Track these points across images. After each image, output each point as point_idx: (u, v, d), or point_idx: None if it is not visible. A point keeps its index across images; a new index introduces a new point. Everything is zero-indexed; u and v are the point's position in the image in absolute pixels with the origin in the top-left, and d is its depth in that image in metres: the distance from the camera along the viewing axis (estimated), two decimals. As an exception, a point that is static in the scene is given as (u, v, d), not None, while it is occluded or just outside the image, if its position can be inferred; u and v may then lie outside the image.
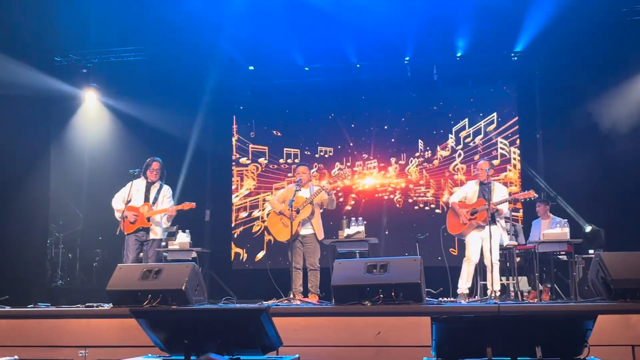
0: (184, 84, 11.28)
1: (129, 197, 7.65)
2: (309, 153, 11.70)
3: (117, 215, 7.75)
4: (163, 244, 8.28)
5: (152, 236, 7.68)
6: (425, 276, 5.78)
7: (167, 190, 7.88)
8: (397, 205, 11.34)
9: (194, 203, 7.80)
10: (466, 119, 11.24)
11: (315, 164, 11.59)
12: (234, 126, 12.12)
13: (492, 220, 7.52)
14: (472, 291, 7.78)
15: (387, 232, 11.16)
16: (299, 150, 11.81)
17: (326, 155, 11.70)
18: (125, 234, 7.62)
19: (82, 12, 10.50)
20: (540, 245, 8.03)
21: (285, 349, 4.51)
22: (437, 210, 11.11)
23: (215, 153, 12.06)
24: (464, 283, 7.66)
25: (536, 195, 7.76)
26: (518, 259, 8.55)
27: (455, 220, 7.89)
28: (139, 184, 7.78)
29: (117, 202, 7.78)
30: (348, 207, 11.36)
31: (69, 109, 11.46)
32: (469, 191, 7.95)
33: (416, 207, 11.26)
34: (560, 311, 5.24)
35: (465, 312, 5.38)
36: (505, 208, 7.76)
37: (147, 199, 7.73)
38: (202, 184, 11.71)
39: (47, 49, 10.60)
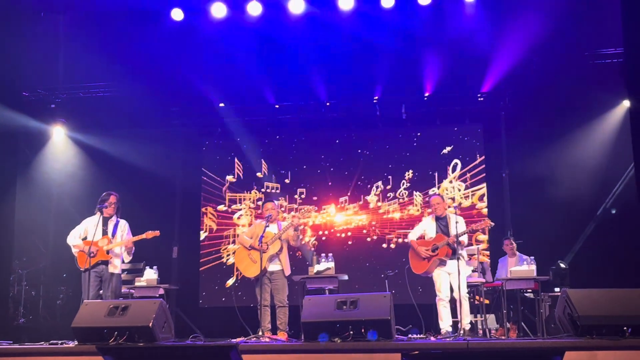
0: (153, 119, 11.28)
1: (84, 234, 7.54)
2: (277, 189, 11.73)
3: (74, 251, 7.59)
4: (128, 280, 8.15)
5: (111, 270, 7.51)
6: (397, 314, 5.78)
7: (124, 224, 7.75)
8: (366, 241, 11.37)
9: (158, 231, 7.69)
10: (433, 158, 11.40)
11: (282, 199, 11.62)
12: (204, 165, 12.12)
13: (454, 255, 7.46)
14: (455, 329, 7.58)
15: (356, 270, 11.15)
16: (264, 186, 11.83)
17: (295, 192, 11.73)
18: (83, 269, 7.39)
19: (51, 48, 10.50)
20: (508, 282, 8.10)
21: (255, 387, 4.46)
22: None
23: (184, 188, 11.99)
24: (445, 323, 7.49)
25: (492, 224, 7.65)
26: (486, 301, 8.58)
27: (417, 259, 7.75)
28: (95, 219, 7.63)
29: (74, 239, 7.62)
30: (311, 243, 11.35)
31: (36, 145, 11.35)
32: (427, 228, 7.84)
33: (384, 245, 11.30)
34: (528, 347, 5.27)
35: (434, 349, 5.39)
36: (465, 239, 7.67)
37: (105, 232, 7.61)
38: (170, 220, 11.60)
39: (14, 84, 10.52)
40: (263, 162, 11.89)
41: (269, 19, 10.08)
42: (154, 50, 10.33)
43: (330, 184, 11.66)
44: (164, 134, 11.50)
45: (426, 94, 10.98)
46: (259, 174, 11.87)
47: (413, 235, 7.92)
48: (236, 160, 11.97)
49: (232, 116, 11.63)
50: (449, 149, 11.37)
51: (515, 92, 10.83)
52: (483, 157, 11.24)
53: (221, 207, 11.87)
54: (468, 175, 11.24)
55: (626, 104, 9.90)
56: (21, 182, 10.96)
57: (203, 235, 11.81)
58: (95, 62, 10.42)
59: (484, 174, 11.18)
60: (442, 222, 7.75)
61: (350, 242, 11.41)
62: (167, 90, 11.09)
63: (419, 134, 11.54)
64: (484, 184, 11.14)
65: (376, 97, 11.15)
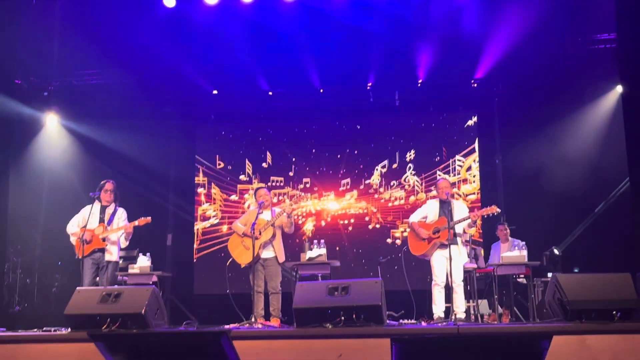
0: (146, 107, 11.26)
1: (84, 222, 7.59)
2: (275, 178, 11.74)
3: (72, 239, 7.67)
4: (121, 267, 8.17)
5: (107, 257, 7.56)
6: (389, 300, 5.81)
7: (121, 212, 7.80)
8: (359, 228, 11.41)
9: (149, 217, 7.70)
10: (427, 144, 11.42)
11: (268, 184, 11.66)
12: (197, 152, 12.12)
13: (454, 240, 7.44)
14: (447, 315, 7.55)
15: (348, 256, 11.20)
16: (257, 172, 11.84)
17: (289, 177, 11.74)
18: (80, 257, 7.49)
19: (44, 35, 10.45)
20: (499, 268, 8.13)
21: (246, 373, 4.49)
22: (397, 235, 11.21)
23: (178, 176, 12.00)
24: (438, 308, 7.50)
25: (499, 210, 7.57)
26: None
27: (416, 240, 7.73)
28: (94, 208, 7.69)
29: (72, 227, 7.71)
30: (309, 230, 11.38)
31: (29, 132, 11.32)
32: (430, 210, 7.80)
33: (377, 230, 11.34)
34: (516, 332, 5.31)
35: (425, 334, 5.42)
36: (461, 227, 7.66)
37: (101, 220, 7.66)
38: (164, 208, 11.62)
39: (7, 72, 10.48)
40: (268, 153, 11.88)
41: (261, 5, 10.03)
42: (147, 38, 10.28)
43: (324, 169, 11.68)
44: (157, 121, 11.48)
45: (420, 81, 10.98)
46: (264, 165, 11.86)
47: (414, 217, 7.88)
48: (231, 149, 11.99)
49: (225, 103, 11.60)
50: (441, 135, 11.40)
51: (508, 78, 10.84)
52: (476, 144, 11.26)
53: (233, 197, 11.90)
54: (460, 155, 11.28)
55: (619, 89, 9.91)
56: (14, 170, 10.94)
57: (207, 223, 11.83)
58: (88, 49, 10.39)
59: (477, 160, 11.20)
60: (446, 206, 7.68)
61: (344, 229, 11.45)
62: (160, 78, 11.07)
63: (412, 120, 11.56)
64: (477, 168, 11.18)
65: (370, 84, 11.15)
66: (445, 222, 7.41)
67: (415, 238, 7.77)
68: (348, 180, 11.60)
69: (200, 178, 11.99)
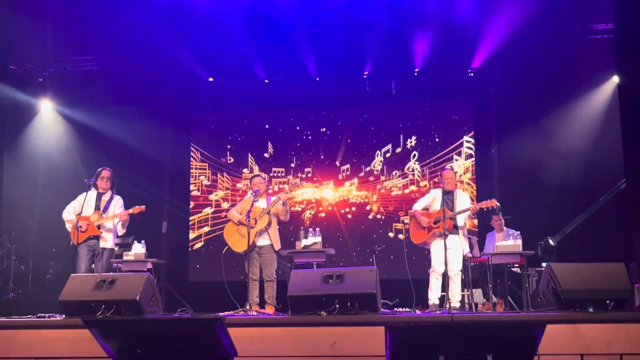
0: (142, 94, 11.21)
1: (79, 209, 7.57)
2: (275, 166, 11.73)
3: (68, 226, 7.66)
4: (116, 254, 8.16)
5: (102, 244, 7.55)
6: (385, 288, 5.82)
7: (118, 199, 7.79)
8: (356, 217, 11.41)
9: (144, 206, 7.70)
10: (423, 133, 11.41)
11: (271, 175, 11.64)
12: (192, 139, 12.09)
13: (455, 230, 7.49)
14: (442, 302, 7.60)
15: (344, 245, 11.21)
16: (256, 162, 11.82)
17: (285, 165, 11.74)
18: (76, 244, 7.47)
19: (39, 21, 10.38)
20: (494, 257, 8.15)
21: None
22: (396, 225, 11.22)
23: (173, 164, 11.97)
24: (433, 294, 7.54)
25: (499, 205, 7.55)
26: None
27: (417, 229, 7.78)
28: (90, 195, 7.69)
29: (68, 214, 7.68)
30: (307, 219, 11.38)
31: (24, 118, 11.27)
32: (433, 199, 7.83)
33: (373, 219, 11.35)
34: (510, 321, 5.33)
35: (419, 322, 5.44)
36: (462, 217, 7.66)
37: (97, 207, 7.65)
38: (159, 196, 11.59)
39: (2, 57, 10.42)
40: (270, 144, 11.85)
41: (258, -8, 10.00)
42: (143, 24, 10.21)
43: (322, 157, 11.68)
44: (152, 108, 11.44)
45: (416, 70, 10.95)
46: (265, 155, 11.84)
47: (418, 206, 7.92)
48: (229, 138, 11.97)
49: (221, 91, 11.56)
50: (438, 125, 11.40)
51: (505, 68, 10.80)
52: (472, 133, 11.26)
53: (227, 185, 11.88)
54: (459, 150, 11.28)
55: (615, 80, 9.91)
56: (8, 157, 10.89)
57: (203, 213, 11.82)
58: (83, 36, 10.34)
59: (473, 150, 11.21)
60: (449, 197, 7.71)
61: (340, 217, 11.45)
62: (155, 65, 10.99)
63: (408, 109, 11.54)
64: (473, 159, 11.19)
65: (366, 73, 11.11)
66: (447, 212, 7.43)
67: (417, 226, 7.81)
68: (347, 167, 11.59)
69: (196, 163, 11.95)
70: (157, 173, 11.65)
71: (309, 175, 11.65)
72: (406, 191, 11.29)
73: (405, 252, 8.11)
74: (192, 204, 11.84)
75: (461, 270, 7.60)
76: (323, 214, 11.49)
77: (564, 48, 10.26)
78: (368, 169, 11.53)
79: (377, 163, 11.49)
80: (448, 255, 7.31)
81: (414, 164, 11.35)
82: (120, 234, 7.90)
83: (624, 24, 8.54)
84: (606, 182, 10.19)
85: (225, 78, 11.40)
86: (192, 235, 11.75)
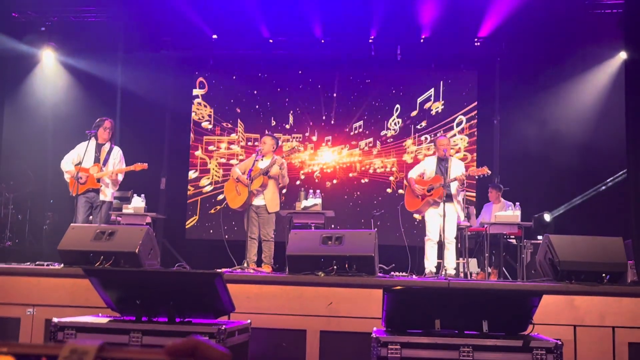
0: (145, 46, 11.09)
1: (78, 159, 7.52)
2: (273, 124, 11.69)
3: (66, 177, 7.62)
4: (115, 206, 8.17)
5: (102, 197, 7.56)
6: (382, 254, 5.85)
7: (117, 151, 7.75)
8: (358, 181, 11.43)
9: (146, 164, 7.69)
10: (427, 99, 11.36)
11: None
12: (196, 92, 12.01)
13: (449, 198, 7.52)
14: (438, 270, 7.65)
15: (346, 208, 11.23)
16: (258, 122, 11.78)
17: (286, 128, 11.70)
18: (74, 195, 7.45)
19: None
20: (492, 226, 8.18)
21: (237, 315, 4.54)
22: (400, 191, 11.25)
23: (175, 118, 11.93)
24: (430, 263, 7.61)
25: (489, 172, 7.57)
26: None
27: (411, 196, 7.83)
28: (89, 145, 7.61)
29: (67, 164, 7.63)
30: (309, 178, 11.40)
31: (25, 68, 11.17)
32: (427, 167, 7.87)
33: (376, 183, 11.37)
34: (507, 289, 5.37)
35: (415, 286, 5.48)
36: (455, 186, 7.70)
37: (97, 159, 7.60)
38: (159, 151, 11.56)
39: (3, 4, 10.29)
40: (268, 104, 11.77)
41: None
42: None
43: (324, 121, 11.64)
44: (155, 61, 11.32)
45: (422, 37, 10.85)
46: (260, 114, 11.80)
47: (413, 173, 7.95)
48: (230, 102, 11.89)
49: (225, 49, 11.46)
50: (441, 93, 11.35)
51: (512, 38, 10.70)
52: (475, 103, 11.23)
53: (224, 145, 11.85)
54: (463, 119, 11.24)
55: (622, 55, 9.83)
56: (9, 106, 10.84)
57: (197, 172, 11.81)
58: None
59: (476, 120, 11.19)
60: (443, 164, 7.73)
61: (341, 181, 11.46)
62: (159, 19, 10.86)
63: (413, 76, 11.48)
64: (475, 129, 11.18)
65: (372, 37, 11.01)
66: (440, 180, 7.50)
67: (411, 194, 7.85)
68: (339, 134, 11.56)
69: (195, 123, 11.91)
70: (158, 127, 11.63)
71: (307, 135, 11.62)
72: (405, 157, 11.29)
73: (400, 218, 8.15)
74: (190, 162, 11.83)
75: (455, 238, 7.64)
76: (327, 172, 11.51)
77: (572, 22, 10.16)
78: (372, 134, 11.50)
79: (381, 132, 11.48)
80: (439, 223, 7.39)
81: (415, 132, 11.33)
82: (112, 190, 7.84)
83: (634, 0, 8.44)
84: (608, 160, 10.15)
85: (230, 35, 11.28)
86: (190, 192, 11.76)
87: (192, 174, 11.79)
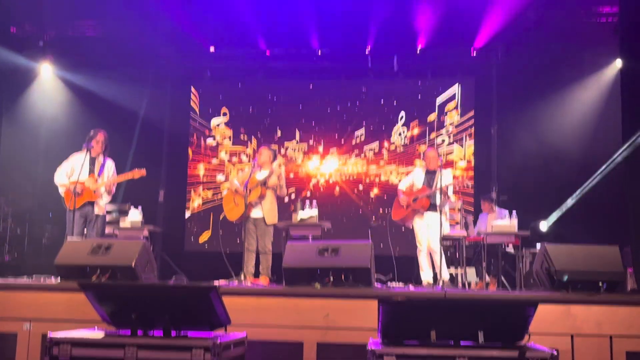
0: (143, 61, 11.13)
1: (71, 172, 7.45)
2: (259, 136, 11.71)
3: (61, 190, 7.51)
4: (111, 219, 8.13)
5: (96, 211, 7.49)
6: (380, 265, 5.83)
7: (110, 164, 7.67)
8: (353, 192, 11.43)
9: (144, 170, 7.59)
10: (425, 110, 11.40)
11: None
12: (192, 105, 12.04)
13: (433, 208, 7.57)
14: (436, 281, 7.66)
15: (343, 220, 11.23)
16: (254, 133, 11.80)
17: (283, 138, 11.73)
18: (70, 210, 7.32)
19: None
20: (489, 236, 8.17)
21: (234, 328, 4.52)
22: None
23: (172, 133, 11.94)
24: (426, 274, 7.66)
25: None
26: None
27: (398, 207, 8.00)
28: (82, 157, 7.48)
29: (61, 178, 7.51)
30: (307, 193, 11.41)
31: (23, 82, 11.20)
32: (416, 179, 7.99)
33: (371, 195, 11.38)
34: (503, 299, 5.36)
35: (412, 297, 5.47)
36: (449, 194, 7.77)
37: (91, 171, 7.53)
38: (157, 164, 11.57)
39: (2, 19, 10.33)
40: (269, 110, 11.78)
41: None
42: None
43: (317, 130, 11.66)
44: (152, 75, 11.37)
45: (419, 47, 10.89)
46: (266, 123, 11.80)
47: (402, 185, 8.10)
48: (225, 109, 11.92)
49: (222, 61, 11.50)
50: (439, 101, 11.38)
51: (508, 47, 10.77)
52: (472, 112, 11.25)
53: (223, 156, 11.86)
54: (459, 128, 11.26)
55: (618, 64, 9.86)
56: (7, 119, 10.86)
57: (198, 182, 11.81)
58: (85, 1, 10.23)
59: (473, 129, 11.20)
60: (430, 176, 7.85)
61: (338, 192, 11.46)
62: (156, 32, 10.90)
63: (410, 86, 11.50)
64: (472, 138, 11.19)
65: (368, 48, 11.04)
66: (425, 191, 7.68)
67: (397, 204, 8.03)
68: (334, 145, 11.58)
69: (193, 134, 11.92)
70: (155, 140, 11.64)
71: (308, 147, 11.64)
72: (402, 169, 11.30)
73: (387, 229, 8.21)
74: (188, 174, 11.84)
75: (445, 247, 7.75)
76: (322, 184, 11.51)
77: (567, 31, 10.20)
78: (368, 146, 11.51)
79: (375, 144, 11.49)
80: (426, 233, 7.44)
81: (407, 134, 11.34)
82: (106, 201, 7.78)
83: (630, 8, 8.49)
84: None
85: (227, 47, 11.32)
86: (188, 204, 11.76)
87: (193, 187, 11.80)
